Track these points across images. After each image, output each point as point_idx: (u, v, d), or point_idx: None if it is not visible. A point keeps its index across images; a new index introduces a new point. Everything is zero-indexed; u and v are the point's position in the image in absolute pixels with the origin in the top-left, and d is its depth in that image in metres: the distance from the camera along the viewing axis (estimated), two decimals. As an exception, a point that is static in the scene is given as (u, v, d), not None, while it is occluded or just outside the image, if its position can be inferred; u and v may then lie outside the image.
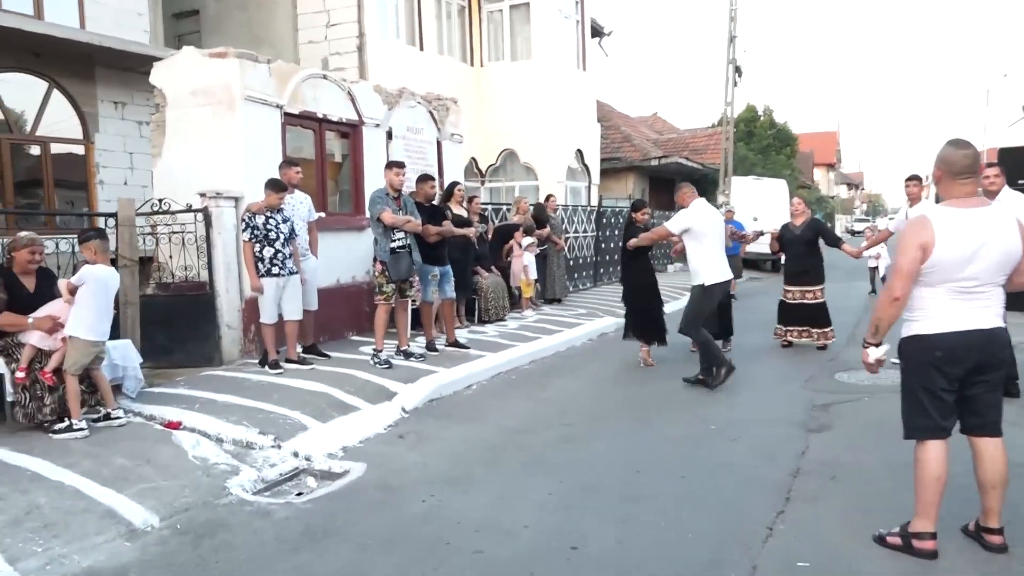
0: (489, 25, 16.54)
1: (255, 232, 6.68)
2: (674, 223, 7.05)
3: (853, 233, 51.61)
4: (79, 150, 11.49)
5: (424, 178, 8.07)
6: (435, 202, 8.42)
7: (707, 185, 25.18)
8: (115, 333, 5.93)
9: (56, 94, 11.12)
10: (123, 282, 6.28)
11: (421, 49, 14.73)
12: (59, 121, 11.32)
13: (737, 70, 19.71)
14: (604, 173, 19.91)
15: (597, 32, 20.00)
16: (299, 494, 4.61)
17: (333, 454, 5.21)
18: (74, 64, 10.88)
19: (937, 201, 3.70)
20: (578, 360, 7.64)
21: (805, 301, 8.80)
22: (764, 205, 20.01)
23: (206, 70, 7.57)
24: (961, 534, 3.57)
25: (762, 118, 40.25)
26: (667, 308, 8.72)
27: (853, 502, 4.14)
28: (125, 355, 5.75)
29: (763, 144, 38.19)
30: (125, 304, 6.31)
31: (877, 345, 3.51)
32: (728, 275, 7.27)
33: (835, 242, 9.10)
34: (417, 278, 7.66)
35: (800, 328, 8.86)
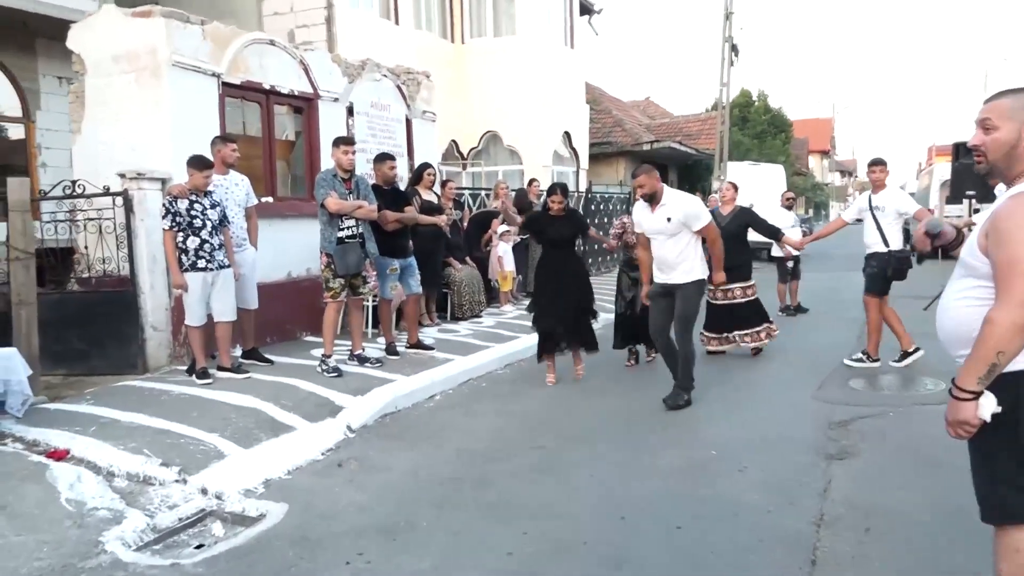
0: (471, -2, 15.49)
1: (177, 219, 5.70)
2: (706, 214, 5.89)
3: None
4: (18, 129, 10.46)
5: (381, 158, 7.08)
6: (401, 186, 7.44)
7: (701, 171, 24.26)
8: (6, 340, 4.97)
9: (-9, 68, 10.08)
10: (16, 279, 5.31)
11: (396, 22, 13.65)
12: (-4, 97, 10.31)
13: (733, 48, 18.70)
14: (594, 158, 18.94)
15: (586, 9, 18.94)
16: (199, 546, 3.66)
17: (251, 490, 4.25)
18: (12, 35, 9.81)
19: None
20: (559, 364, 6.71)
21: (734, 300, 7.62)
22: (761, 191, 19.08)
23: (129, 32, 6.55)
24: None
25: (756, 103, 39.36)
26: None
27: (898, 566, 3.21)
28: (6, 366, 4.75)
29: (758, 130, 37.29)
30: (19, 304, 5.32)
31: (979, 394, 2.16)
32: None
33: (773, 233, 7.87)
34: (371, 272, 6.68)
35: (728, 334, 7.63)
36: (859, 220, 7.33)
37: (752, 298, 7.70)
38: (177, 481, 4.24)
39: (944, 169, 19.24)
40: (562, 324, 6.50)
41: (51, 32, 9.91)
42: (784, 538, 3.50)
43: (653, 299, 5.97)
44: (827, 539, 3.49)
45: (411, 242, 7.13)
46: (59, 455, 4.39)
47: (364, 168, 7.65)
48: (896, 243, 7.02)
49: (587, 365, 6.86)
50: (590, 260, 15.40)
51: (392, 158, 7.11)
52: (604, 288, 10.03)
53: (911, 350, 7.02)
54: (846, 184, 79.44)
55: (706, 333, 7.75)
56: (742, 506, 3.88)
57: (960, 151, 11.81)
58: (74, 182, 6.42)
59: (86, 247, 6.55)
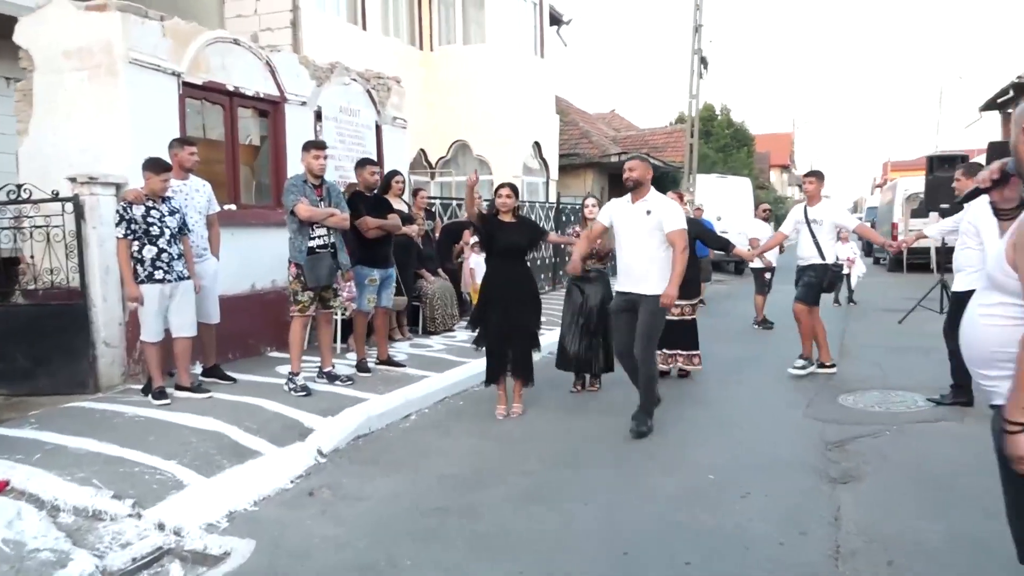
0: (440, 5, 15.18)
1: (132, 227, 5.28)
2: (684, 221, 5.46)
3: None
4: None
5: (364, 163, 6.78)
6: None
7: (667, 183, 24.20)
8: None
9: (-69, 67, 9.48)
10: (-47, 290, 4.83)
11: (364, 28, 13.32)
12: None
13: (703, 61, 18.69)
14: (562, 170, 18.74)
15: (556, 20, 18.79)
16: (156, 590, 3.27)
17: (214, 525, 3.85)
18: (-48, 31, 9.26)
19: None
20: (538, 381, 6.39)
21: (673, 317, 6.74)
22: (728, 204, 19.12)
23: (82, 26, 6.12)
24: None
25: (719, 117, 39.69)
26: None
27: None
28: (-61, 388, 4.30)
29: (721, 143, 37.59)
30: (-45, 318, 4.86)
31: None
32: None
33: (723, 245, 7.44)
34: (344, 284, 6.31)
35: (670, 352, 7.08)
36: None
37: (691, 318, 7.12)
38: (131, 515, 3.83)
39: (908, 183, 19.45)
40: (511, 346, 5.80)
41: (-2, 31, 9.40)
42: (802, 574, 3.23)
43: (616, 315, 5.55)
44: (848, 575, 3.22)
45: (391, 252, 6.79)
46: (-3, 487, 3.95)
47: (331, 175, 7.28)
48: (831, 256, 7.14)
49: (572, 380, 6.58)
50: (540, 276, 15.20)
51: (374, 163, 6.80)
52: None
53: (829, 364, 7.21)
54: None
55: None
56: (751, 537, 3.61)
57: (935, 164, 11.81)
58: (19, 186, 5.95)
59: (32, 256, 6.07)
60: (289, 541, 3.68)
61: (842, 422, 5.61)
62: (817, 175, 7.20)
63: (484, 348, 5.89)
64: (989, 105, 25.12)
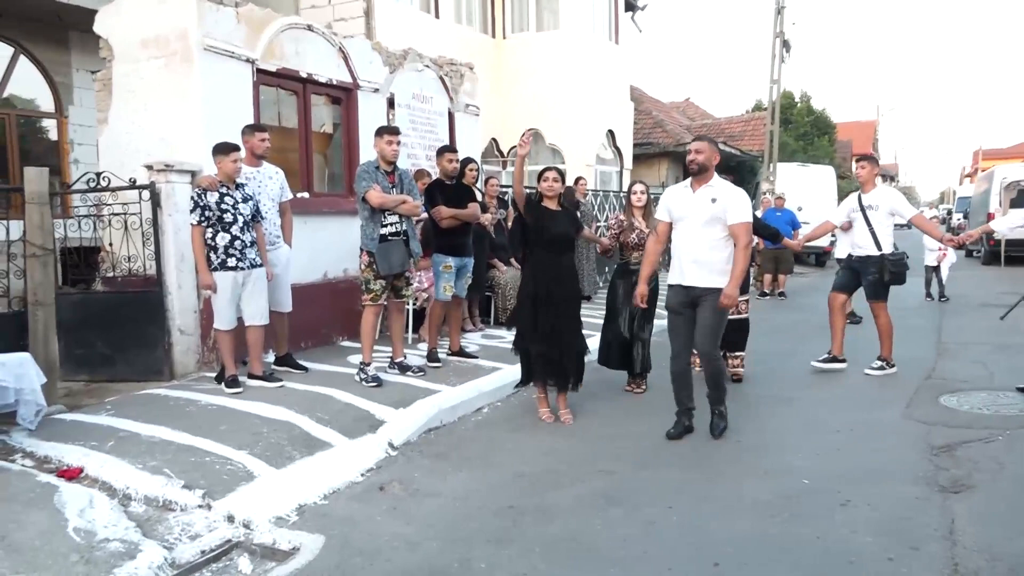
0: (512, -9, 14.97)
1: (206, 213, 5.24)
2: (751, 214, 4.99)
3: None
4: (51, 124, 10.18)
5: (443, 151, 6.66)
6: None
7: (744, 172, 23.47)
8: (10, 343, 4.54)
9: (24, 61, 9.78)
10: (33, 278, 4.90)
11: (436, 16, 13.23)
12: (28, 91, 10.02)
13: (785, 44, 17.92)
14: (636, 159, 18.32)
15: (631, 6, 18.33)
16: (223, 586, 3.17)
17: (283, 518, 3.75)
18: (44, 27, 9.53)
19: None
20: (613, 374, 6.15)
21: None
22: (810, 193, 18.30)
23: (158, 14, 6.14)
24: None
25: (799, 104, 38.35)
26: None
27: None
28: (18, 373, 4.31)
29: (801, 131, 36.33)
30: (35, 305, 4.90)
31: None
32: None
33: (772, 235, 7.03)
34: (417, 273, 6.17)
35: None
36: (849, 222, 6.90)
37: (743, 316, 6.55)
38: (200, 506, 3.76)
39: (1007, 170, 18.31)
40: (561, 347, 5.27)
41: (85, 25, 9.56)
42: (918, 596, 2.91)
43: (672, 312, 5.00)
44: (971, 599, 2.88)
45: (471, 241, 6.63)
46: (71, 474, 3.94)
47: (404, 163, 7.16)
48: (888, 245, 6.63)
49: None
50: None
51: (454, 151, 6.65)
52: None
53: (841, 356, 6.92)
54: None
55: None
56: (856, 551, 3.28)
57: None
58: (99, 174, 6.01)
59: (111, 244, 6.13)
60: (359, 538, 3.54)
61: (949, 425, 5.17)
62: (870, 159, 6.82)
63: (529, 349, 5.35)
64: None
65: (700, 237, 4.81)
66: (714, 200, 4.76)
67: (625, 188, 15.95)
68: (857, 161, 6.91)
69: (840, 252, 9.78)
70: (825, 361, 6.92)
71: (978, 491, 3.98)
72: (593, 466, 4.48)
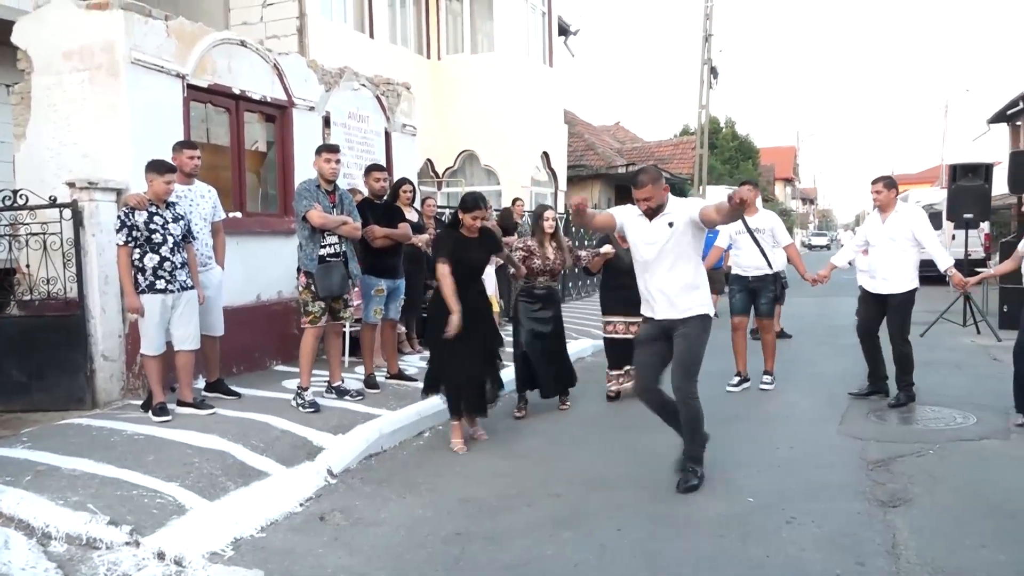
0: (448, 14, 14.99)
1: (134, 233, 5.00)
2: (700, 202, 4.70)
3: (810, 247, 51.05)
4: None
5: (371, 169, 6.48)
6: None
7: (675, 195, 23.99)
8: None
9: (-71, 73, 9.25)
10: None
11: (371, 36, 13.11)
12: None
13: (712, 71, 18.48)
14: (568, 181, 18.50)
15: (564, 30, 18.61)
16: (155, 628, 2.97)
17: (218, 553, 3.55)
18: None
19: None
20: (545, 400, 6.13)
21: (621, 336, 6.48)
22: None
23: (84, 25, 5.88)
24: None
25: (724, 129, 39.59)
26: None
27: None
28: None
29: (726, 155, 37.48)
30: (-56, 330, 4.57)
31: None
32: None
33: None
34: (355, 295, 6.02)
35: (629, 368, 6.15)
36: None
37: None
38: (128, 544, 3.53)
39: (920, 194, 19.22)
40: (478, 376, 5.24)
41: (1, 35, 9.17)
42: (869, 613, 2.93)
43: (641, 344, 4.60)
44: (920, 614, 2.92)
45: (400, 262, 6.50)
46: (-16, 512, 3.66)
47: (340, 183, 7.00)
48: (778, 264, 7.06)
49: (591, 393, 6.26)
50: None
51: (382, 168, 6.51)
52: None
53: (746, 375, 7.09)
54: (807, 211, 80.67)
55: (610, 372, 6.68)
56: (806, 569, 3.30)
57: (957, 173, 11.53)
58: (15, 192, 5.69)
59: (28, 266, 5.80)
60: (300, 572, 3.38)
61: (880, 440, 5.31)
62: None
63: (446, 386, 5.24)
64: (997, 117, 24.88)
65: (661, 267, 4.40)
66: (671, 224, 4.35)
67: (561, 210, 16.11)
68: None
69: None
70: (737, 385, 7.01)
71: (916, 505, 4.07)
72: (543, 489, 4.41)
